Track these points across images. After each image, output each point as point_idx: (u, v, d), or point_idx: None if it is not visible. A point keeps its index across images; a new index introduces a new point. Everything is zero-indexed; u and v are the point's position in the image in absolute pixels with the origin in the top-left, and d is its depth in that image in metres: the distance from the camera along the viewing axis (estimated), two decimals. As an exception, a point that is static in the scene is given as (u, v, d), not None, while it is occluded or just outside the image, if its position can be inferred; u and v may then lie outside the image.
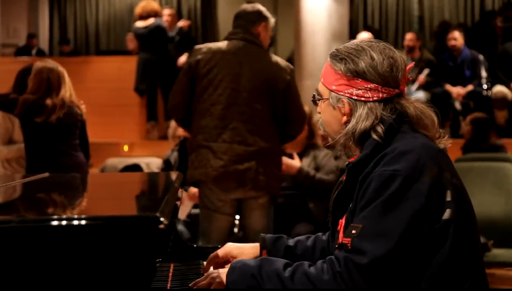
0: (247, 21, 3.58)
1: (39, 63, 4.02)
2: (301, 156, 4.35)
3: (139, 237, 1.33)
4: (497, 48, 7.81)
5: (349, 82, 1.66)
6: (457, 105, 7.70)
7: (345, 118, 1.68)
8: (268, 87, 3.51)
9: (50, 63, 4.03)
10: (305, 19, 7.43)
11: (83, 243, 1.32)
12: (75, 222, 1.32)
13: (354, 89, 1.66)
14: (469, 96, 7.63)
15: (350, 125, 1.66)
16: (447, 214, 1.54)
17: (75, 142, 4.09)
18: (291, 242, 1.90)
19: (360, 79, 1.65)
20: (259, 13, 3.60)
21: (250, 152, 3.46)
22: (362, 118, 1.64)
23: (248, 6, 3.64)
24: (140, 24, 8.26)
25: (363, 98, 1.65)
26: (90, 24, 11.90)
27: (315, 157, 4.29)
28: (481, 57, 7.78)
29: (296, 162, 4.22)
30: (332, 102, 1.70)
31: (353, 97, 1.66)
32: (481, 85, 7.68)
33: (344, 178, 1.73)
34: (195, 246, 2.19)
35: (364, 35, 7.75)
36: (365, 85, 1.65)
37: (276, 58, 3.66)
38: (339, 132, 1.70)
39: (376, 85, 1.65)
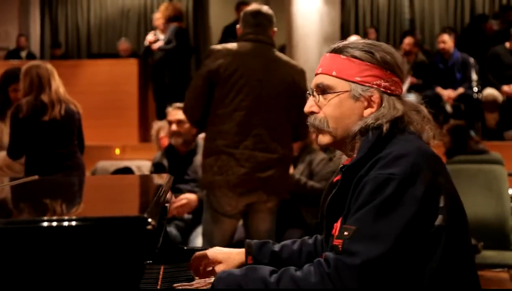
0: (265, 22, 3.47)
1: (24, 66, 4.05)
2: (296, 160, 4.30)
3: (127, 238, 1.33)
4: (487, 51, 7.86)
5: (379, 73, 1.65)
6: (448, 108, 7.74)
7: (369, 110, 1.64)
8: (289, 92, 3.44)
9: (35, 62, 4.07)
10: (297, 22, 7.46)
11: (72, 244, 1.32)
12: (65, 223, 1.32)
13: (383, 80, 1.65)
14: (460, 99, 7.67)
15: (373, 116, 1.63)
16: (439, 219, 1.53)
17: (75, 143, 4.13)
18: (276, 247, 1.89)
19: (389, 72, 1.66)
20: (272, 16, 3.53)
21: (272, 159, 3.41)
22: (389, 110, 1.63)
23: (263, 7, 3.55)
24: None
25: (389, 91, 1.66)
26: (81, 28, 11.88)
27: (310, 162, 4.27)
28: (471, 60, 7.83)
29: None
30: (355, 94, 1.65)
31: (381, 88, 1.65)
32: (471, 88, 7.71)
33: (335, 180, 1.72)
34: (185, 248, 2.19)
35: (353, 39, 7.79)
36: (392, 78, 1.66)
37: (290, 59, 3.61)
38: (353, 126, 1.65)
39: (399, 79, 1.68)
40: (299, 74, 3.51)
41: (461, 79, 7.73)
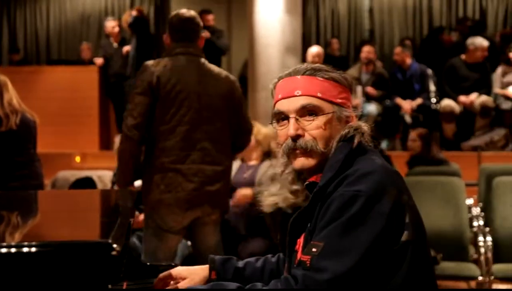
0: (193, 31, 3.44)
1: None
2: (258, 165, 4.46)
3: (91, 263, 1.31)
4: (445, 62, 8.02)
5: (348, 95, 1.73)
6: (407, 118, 7.86)
7: (346, 130, 1.69)
8: (226, 104, 3.46)
9: None
10: (259, 32, 7.48)
11: (32, 270, 1.30)
12: (25, 249, 1.30)
13: (350, 101, 1.74)
14: (419, 110, 7.80)
15: (342, 133, 1.67)
16: (405, 235, 1.55)
17: (32, 151, 4.07)
18: (240, 263, 1.91)
19: (351, 93, 1.75)
20: (199, 20, 3.48)
21: (219, 172, 3.41)
22: (353, 127, 1.69)
23: (189, 12, 3.48)
24: None
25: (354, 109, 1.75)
26: (40, 33, 11.69)
27: (272, 165, 4.34)
28: (429, 71, 7.98)
29: (247, 190, 4.28)
30: (340, 115, 1.69)
31: (352, 108, 1.74)
32: (429, 99, 7.86)
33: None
34: (148, 264, 2.17)
35: (314, 49, 7.85)
36: (351, 98, 1.76)
37: (221, 70, 3.59)
38: (334, 146, 1.67)
39: (350, 97, 1.76)
40: (233, 85, 3.54)
41: (420, 90, 7.88)
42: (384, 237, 1.52)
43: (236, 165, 4.55)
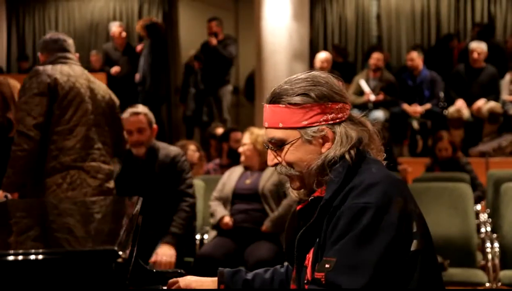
0: (68, 47, 3.67)
1: None
2: (260, 172, 4.45)
3: (97, 270, 1.32)
4: (452, 70, 8.02)
5: (321, 110, 1.65)
6: (415, 124, 7.85)
7: (327, 145, 1.66)
8: (109, 110, 3.70)
9: None
10: (266, 38, 7.50)
11: (39, 277, 1.30)
12: (32, 257, 1.31)
13: (328, 114, 1.66)
14: (427, 116, 7.78)
15: (331, 149, 1.64)
16: (414, 245, 1.56)
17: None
18: (249, 275, 1.90)
19: (330, 103, 1.66)
20: (71, 43, 3.73)
21: (111, 171, 3.66)
22: (344, 139, 1.65)
23: (60, 35, 3.74)
24: None
25: (337, 120, 1.67)
26: (49, 41, 11.75)
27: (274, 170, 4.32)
28: (439, 78, 7.96)
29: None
30: (308, 138, 1.66)
31: (330, 122, 1.66)
32: (438, 105, 7.84)
33: (298, 208, 1.74)
34: (154, 270, 2.18)
35: (322, 55, 7.86)
36: (335, 107, 1.67)
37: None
38: (315, 164, 1.66)
39: (342, 104, 1.68)
40: (111, 95, 3.77)
41: (429, 97, 7.86)
42: (395, 248, 1.52)
43: (238, 172, 4.56)
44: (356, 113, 1.76)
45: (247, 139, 4.50)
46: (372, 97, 7.81)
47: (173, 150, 4.22)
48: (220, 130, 6.97)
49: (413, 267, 1.55)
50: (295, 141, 1.67)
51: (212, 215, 4.47)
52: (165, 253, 3.93)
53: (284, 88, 1.68)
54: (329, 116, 1.66)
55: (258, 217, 4.31)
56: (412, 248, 1.55)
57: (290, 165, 1.70)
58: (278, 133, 1.69)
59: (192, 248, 4.45)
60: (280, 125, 1.68)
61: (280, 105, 1.68)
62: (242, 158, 4.56)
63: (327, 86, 1.67)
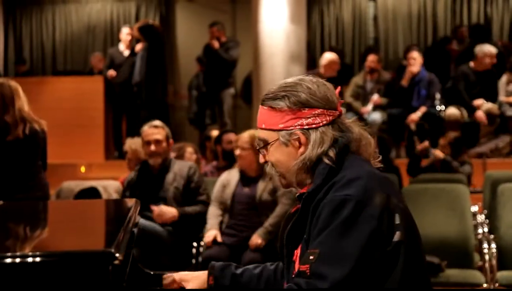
0: None
1: None
2: (257, 179, 4.37)
3: (94, 272, 1.33)
4: (449, 71, 8.02)
5: (296, 115, 1.74)
6: (412, 126, 7.85)
7: (302, 149, 1.73)
8: None
9: None
10: (263, 41, 7.51)
11: (37, 279, 1.31)
12: (29, 259, 1.31)
13: (303, 119, 1.74)
14: (424, 118, 7.78)
15: (306, 153, 1.72)
16: (397, 236, 1.60)
17: (38, 163, 4.08)
18: (238, 270, 1.97)
19: (306, 109, 1.73)
20: None
21: None
22: (317, 144, 1.72)
23: None
24: None
25: (313, 125, 1.73)
26: (46, 44, 11.77)
27: (271, 178, 4.28)
28: (437, 79, 7.96)
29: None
30: (284, 140, 1.75)
31: (305, 127, 1.73)
32: (434, 106, 7.84)
33: (293, 211, 1.80)
34: (152, 273, 2.18)
35: (327, 56, 7.86)
36: (312, 112, 1.74)
37: None
38: (292, 166, 1.75)
39: (321, 110, 1.74)
40: None
41: (426, 96, 7.85)
42: (376, 238, 1.57)
43: (236, 176, 4.46)
44: (349, 118, 1.83)
45: (245, 144, 4.35)
46: (369, 107, 7.84)
47: (187, 164, 4.57)
48: (215, 133, 6.98)
49: (396, 258, 1.59)
50: (274, 143, 1.78)
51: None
52: (167, 208, 4.30)
53: (271, 91, 1.79)
54: (305, 121, 1.74)
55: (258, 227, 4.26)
56: (395, 238, 1.60)
57: (273, 165, 1.80)
58: (261, 134, 1.82)
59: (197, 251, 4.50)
60: (263, 126, 1.81)
61: (264, 107, 1.80)
62: (238, 162, 4.45)
63: (307, 92, 1.74)
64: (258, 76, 7.58)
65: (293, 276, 1.67)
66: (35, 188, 4.03)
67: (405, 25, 10.94)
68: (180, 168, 4.45)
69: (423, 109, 7.74)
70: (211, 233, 4.31)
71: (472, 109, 7.72)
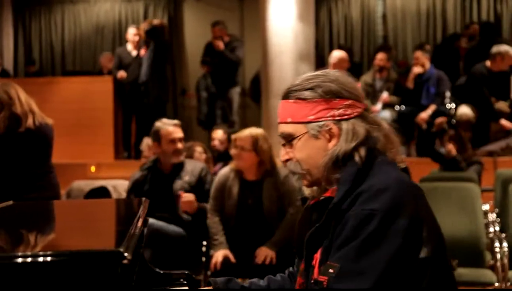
0: None
1: None
2: (260, 183, 4.10)
3: (103, 272, 1.33)
4: (458, 69, 7.96)
5: (327, 105, 1.67)
6: (424, 125, 7.81)
7: (333, 141, 1.67)
8: None
9: None
10: (272, 39, 7.49)
11: (46, 278, 1.31)
12: (40, 259, 1.32)
13: (335, 110, 1.67)
14: (434, 116, 7.75)
15: (338, 145, 1.65)
16: (424, 252, 1.54)
17: (49, 163, 4.09)
18: (245, 283, 1.91)
19: (337, 99, 1.67)
20: None
21: None
22: (350, 136, 1.65)
23: None
24: None
25: (345, 116, 1.67)
26: (55, 45, 11.81)
27: (274, 183, 4.09)
28: (446, 77, 7.92)
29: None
30: (314, 133, 1.68)
31: (336, 117, 1.67)
32: (444, 104, 7.81)
33: (312, 203, 1.74)
34: (161, 272, 2.18)
35: (336, 54, 7.83)
36: (344, 103, 1.67)
37: None
38: (322, 161, 1.67)
39: (352, 101, 1.68)
40: None
41: (435, 94, 7.82)
42: (402, 255, 1.51)
43: (235, 183, 4.12)
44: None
45: (247, 145, 4.04)
46: (379, 105, 7.81)
47: (200, 165, 4.57)
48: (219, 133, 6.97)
49: (422, 275, 1.53)
50: (302, 136, 1.70)
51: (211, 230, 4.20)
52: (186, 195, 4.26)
53: (295, 84, 1.73)
54: (336, 112, 1.67)
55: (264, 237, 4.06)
56: (422, 255, 1.53)
57: (299, 161, 1.71)
58: (287, 128, 1.72)
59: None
60: (289, 120, 1.72)
61: (290, 100, 1.72)
62: (236, 163, 4.11)
63: (336, 83, 1.69)
64: (266, 75, 7.55)
65: (312, 281, 1.63)
66: (45, 187, 4.04)
67: (414, 23, 10.91)
68: (192, 168, 4.43)
69: (432, 107, 7.70)
70: (221, 253, 4.01)
71: (491, 110, 7.64)
